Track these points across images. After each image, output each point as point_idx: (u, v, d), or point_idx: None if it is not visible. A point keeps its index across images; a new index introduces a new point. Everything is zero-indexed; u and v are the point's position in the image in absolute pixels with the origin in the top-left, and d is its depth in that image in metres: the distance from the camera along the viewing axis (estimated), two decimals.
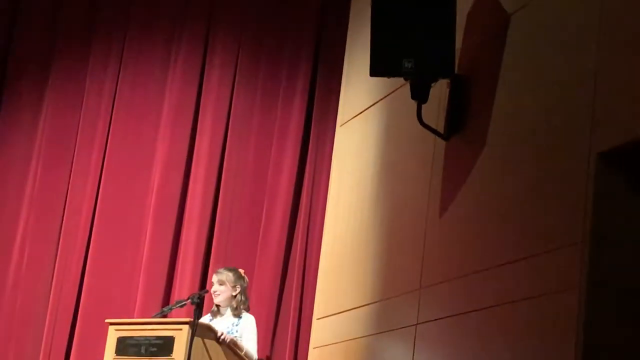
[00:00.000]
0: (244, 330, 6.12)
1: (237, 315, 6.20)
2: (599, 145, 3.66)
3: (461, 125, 4.75)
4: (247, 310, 6.29)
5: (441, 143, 4.88)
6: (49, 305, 7.17)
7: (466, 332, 4.29)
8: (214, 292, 6.23)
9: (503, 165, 4.32)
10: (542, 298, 3.78)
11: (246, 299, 6.31)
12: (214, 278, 6.30)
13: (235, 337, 6.01)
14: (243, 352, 5.88)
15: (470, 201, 4.52)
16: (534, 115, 4.18)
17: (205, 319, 6.18)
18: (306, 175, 7.22)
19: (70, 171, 7.47)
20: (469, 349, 4.25)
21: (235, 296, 6.24)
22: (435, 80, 4.73)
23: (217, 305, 6.29)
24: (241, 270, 6.36)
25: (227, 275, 6.26)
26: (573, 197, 3.74)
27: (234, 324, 6.15)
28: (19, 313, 7.25)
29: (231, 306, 6.23)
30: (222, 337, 5.67)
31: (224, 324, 6.10)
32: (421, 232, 4.90)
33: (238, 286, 6.25)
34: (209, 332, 5.62)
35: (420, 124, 4.79)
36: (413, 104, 4.77)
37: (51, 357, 7.03)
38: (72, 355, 7.05)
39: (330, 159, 6.65)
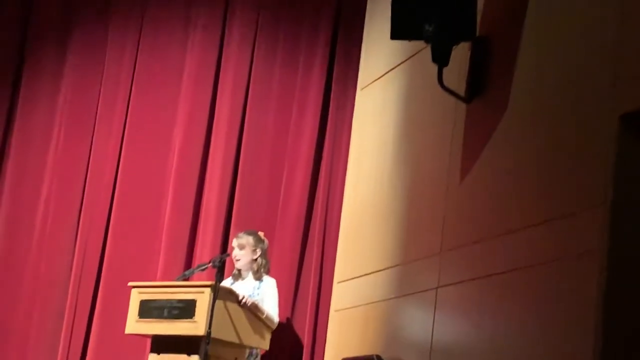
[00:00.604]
0: (265, 294, 6.16)
1: (259, 278, 6.24)
2: (622, 107, 3.63)
3: (482, 88, 4.73)
4: (268, 272, 6.33)
5: (462, 106, 4.86)
6: (72, 269, 7.22)
7: (487, 295, 4.29)
8: (235, 257, 6.27)
9: (524, 127, 4.30)
10: (563, 261, 3.78)
11: (267, 261, 6.35)
12: (234, 242, 6.34)
13: (257, 300, 6.05)
14: (264, 316, 5.92)
15: (491, 164, 4.51)
16: (555, 77, 4.15)
17: (226, 283, 6.22)
18: (327, 138, 7.21)
19: (92, 136, 7.50)
20: (489, 312, 4.26)
21: (256, 259, 6.28)
22: (457, 43, 4.70)
23: (239, 269, 6.33)
24: (261, 233, 6.39)
25: (247, 239, 6.29)
26: (595, 160, 3.73)
27: (256, 288, 6.19)
28: (42, 277, 7.31)
29: (252, 269, 6.28)
30: (244, 300, 5.70)
31: (245, 287, 6.14)
32: (442, 196, 4.90)
33: (258, 249, 6.29)
34: (231, 296, 5.65)
35: (441, 87, 4.77)
36: (434, 67, 4.75)
37: (75, 320, 7.09)
38: (96, 318, 7.11)
39: (351, 123, 6.64)
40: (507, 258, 4.18)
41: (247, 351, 6.01)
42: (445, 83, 4.76)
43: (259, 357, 6.14)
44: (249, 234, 6.36)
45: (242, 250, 6.28)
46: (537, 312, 3.90)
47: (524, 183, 4.20)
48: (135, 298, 5.75)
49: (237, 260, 6.27)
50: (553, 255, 3.84)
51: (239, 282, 6.27)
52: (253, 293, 6.12)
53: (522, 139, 4.29)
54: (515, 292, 4.08)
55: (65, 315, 7.11)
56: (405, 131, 5.61)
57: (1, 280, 7.35)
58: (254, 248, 6.29)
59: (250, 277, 6.29)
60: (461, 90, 4.84)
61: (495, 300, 4.22)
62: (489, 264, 4.30)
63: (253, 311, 5.78)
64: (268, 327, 5.88)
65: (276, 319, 6.12)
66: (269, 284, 6.24)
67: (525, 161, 4.22)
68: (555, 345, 3.74)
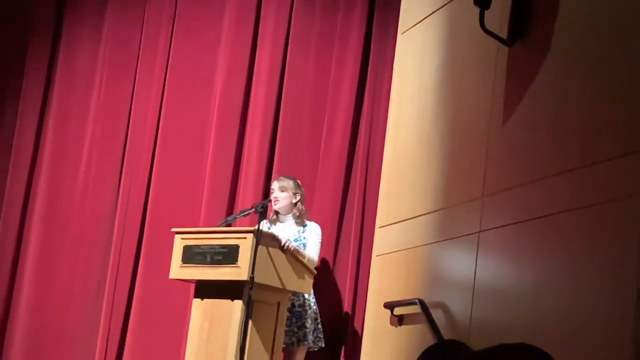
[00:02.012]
0: (309, 237, 6.22)
1: (301, 223, 6.29)
2: None
3: (525, 31, 4.68)
4: (307, 219, 6.38)
5: (504, 49, 4.81)
6: (117, 216, 7.31)
7: (529, 239, 4.28)
8: (275, 198, 6.33)
9: (567, 70, 4.25)
10: (607, 205, 3.75)
11: (304, 208, 6.40)
12: (275, 185, 6.39)
13: (304, 243, 6.13)
14: (306, 259, 5.97)
15: (534, 108, 4.47)
16: (600, 19, 4.09)
17: (263, 227, 6.27)
18: (367, 83, 7.20)
19: (134, 81, 7.54)
20: (531, 257, 4.25)
21: (296, 204, 6.33)
22: None
23: (277, 213, 6.37)
24: (298, 181, 6.45)
25: (288, 183, 6.35)
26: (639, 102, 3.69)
27: (300, 232, 6.24)
28: (87, 223, 7.40)
29: (293, 214, 6.33)
30: (286, 245, 5.75)
31: (288, 231, 6.19)
32: (484, 140, 4.87)
33: (298, 194, 6.35)
34: (273, 241, 5.69)
35: (483, 31, 4.72)
36: (475, 10, 4.70)
37: (120, 266, 7.18)
38: (141, 264, 7.20)
39: (392, 67, 6.60)
40: (550, 202, 4.16)
41: (303, 297, 6.10)
42: (487, 26, 4.71)
43: (315, 303, 6.23)
44: (289, 178, 6.41)
45: (283, 193, 6.34)
46: (580, 256, 3.88)
47: (567, 126, 4.16)
48: (179, 244, 5.81)
49: (277, 201, 6.33)
50: (596, 198, 3.82)
51: (279, 227, 6.32)
52: (298, 237, 6.18)
53: (565, 82, 4.25)
54: (558, 235, 4.07)
55: (110, 261, 7.21)
56: (446, 75, 5.57)
57: (47, 227, 7.45)
58: (294, 192, 6.35)
59: (290, 221, 6.34)
60: (503, 33, 4.78)
61: (538, 244, 4.21)
62: (532, 207, 4.29)
63: (294, 255, 5.83)
64: (310, 271, 5.93)
65: (316, 260, 6.21)
66: (315, 229, 6.30)
67: (568, 104, 4.18)
68: (597, 288, 3.73)
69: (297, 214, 6.33)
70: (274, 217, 6.40)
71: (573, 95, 4.16)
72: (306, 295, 6.11)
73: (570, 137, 4.11)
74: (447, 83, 5.54)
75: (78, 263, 7.35)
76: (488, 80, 4.94)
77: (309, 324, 6.12)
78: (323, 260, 6.82)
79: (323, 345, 6.26)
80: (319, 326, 6.22)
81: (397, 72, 6.44)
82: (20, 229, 7.50)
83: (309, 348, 6.19)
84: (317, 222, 6.44)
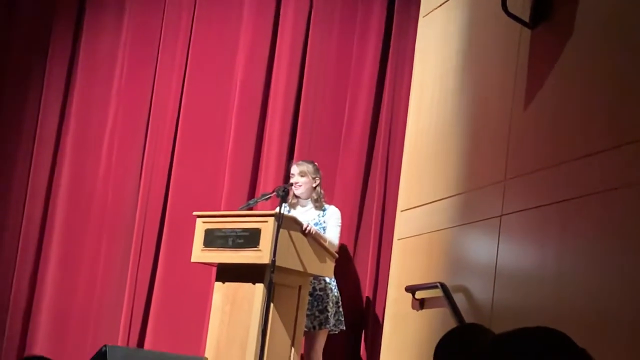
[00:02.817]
0: (329, 221, 6.22)
1: (320, 207, 6.29)
2: None
3: (547, 14, 4.65)
4: (325, 202, 6.38)
5: (527, 32, 4.79)
6: (139, 200, 7.32)
7: (551, 223, 4.27)
8: (296, 183, 6.32)
9: (590, 54, 4.23)
10: (631, 188, 3.73)
11: (322, 192, 6.41)
12: (295, 170, 6.38)
13: (324, 227, 6.13)
14: (327, 243, 5.98)
15: (556, 91, 4.45)
16: (623, 1, 4.06)
17: (283, 210, 6.27)
18: (389, 67, 7.18)
19: (156, 68, 7.53)
20: (554, 241, 4.24)
21: (315, 188, 6.34)
22: None
23: (296, 197, 6.37)
24: (316, 164, 6.44)
25: (308, 167, 6.35)
26: None
27: (320, 215, 6.24)
28: (110, 209, 7.41)
29: (312, 198, 6.33)
30: (308, 229, 5.75)
31: (308, 215, 6.19)
32: (506, 123, 4.85)
33: (317, 178, 6.35)
34: (295, 224, 5.69)
35: (505, 13, 4.70)
36: None
37: (142, 250, 7.20)
38: (162, 248, 7.21)
39: (413, 51, 6.59)
40: (573, 185, 4.14)
41: (324, 281, 6.11)
42: (510, 9, 4.68)
43: (336, 287, 6.25)
44: (309, 162, 6.41)
45: (303, 178, 6.33)
46: (604, 240, 3.87)
47: (591, 110, 4.14)
48: (200, 227, 5.81)
49: (298, 186, 6.32)
50: (620, 182, 3.80)
51: (299, 211, 6.32)
52: (318, 221, 6.18)
53: (588, 64, 4.22)
54: (581, 219, 4.05)
55: (133, 245, 7.22)
56: (468, 58, 5.55)
57: (70, 212, 7.48)
58: (314, 176, 6.35)
59: (310, 205, 6.34)
60: (525, 16, 4.76)
61: (560, 228, 4.19)
62: (554, 192, 4.27)
63: (316, 239, 5.83)
64: (332, 255, 5.93)
65: (336, 243, 6.22)
66: (334, 212, 6.30)
67: (591, 88, 4.16)
68: (621, 272, 3.71)
69: (316, 197, 6.33)
70: (294, 201, 6.41)
71: (596, 78, 4.13)
72: (327, 279, 6.12)
73: (593, 120, 4.09)
74: (469, 66, 5.52)
75: (101, 247, 7.37)
76: (510, 64, 4.92)
77: (330, 307, 6.13)
78: (344, 244, 6.83)
79: (344, 328, 6.27)
80: (340, 309, 6.24)
81: (418, 56, 6.42)
82: (44, 214, 7.52)
83: (330, 331, 6.20)
84: (338, 206, 6.44)
